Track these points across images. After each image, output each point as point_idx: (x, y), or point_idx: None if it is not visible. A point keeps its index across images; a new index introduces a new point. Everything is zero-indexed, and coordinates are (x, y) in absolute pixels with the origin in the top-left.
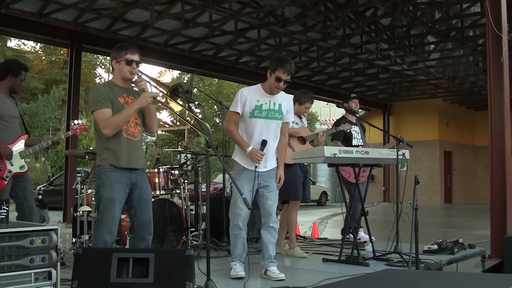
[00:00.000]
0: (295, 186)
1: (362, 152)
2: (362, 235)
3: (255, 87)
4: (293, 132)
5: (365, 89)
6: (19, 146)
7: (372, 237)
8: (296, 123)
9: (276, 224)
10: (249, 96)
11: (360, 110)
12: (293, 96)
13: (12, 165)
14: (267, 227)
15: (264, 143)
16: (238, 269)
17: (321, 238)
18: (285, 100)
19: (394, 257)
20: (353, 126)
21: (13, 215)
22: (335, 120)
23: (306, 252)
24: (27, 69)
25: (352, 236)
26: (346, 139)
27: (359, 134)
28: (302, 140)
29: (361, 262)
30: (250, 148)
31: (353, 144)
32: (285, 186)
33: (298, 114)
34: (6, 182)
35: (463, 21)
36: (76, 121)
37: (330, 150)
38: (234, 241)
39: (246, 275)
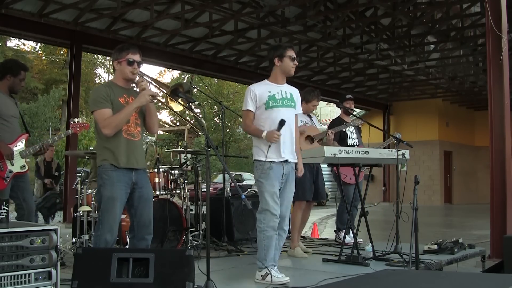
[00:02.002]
0: (303, 186)
1: (362, 152)
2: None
3: (261, 82)
4: (300, 130)
5: (365, 89)
6: (19, 146)
7: (360, 239)
8: (305, 123)
9: (287, 227)
10: (258, 90)
11: (360, 110)
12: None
13: (12, 165)
14: (278, 229)
15: (282, 122)
16: (279, 274)
17: (321, 238)
18: (293, 90)
19: (394, 257)
20: (348, 126)
21: (12, 215)
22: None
23: (306, 252)
24: (27, 69)
25: (342, 236)
26: (341, 139)
27: (354, 134)
28: (311, 139)
29: (361, 262)
30: (265, 132)
31: (348, 144)
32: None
33: (307, 113)
34: (7, 182)
35: (463, 21)
36: (76, 119)
37: (330, 150)
38: (267, 244)
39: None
